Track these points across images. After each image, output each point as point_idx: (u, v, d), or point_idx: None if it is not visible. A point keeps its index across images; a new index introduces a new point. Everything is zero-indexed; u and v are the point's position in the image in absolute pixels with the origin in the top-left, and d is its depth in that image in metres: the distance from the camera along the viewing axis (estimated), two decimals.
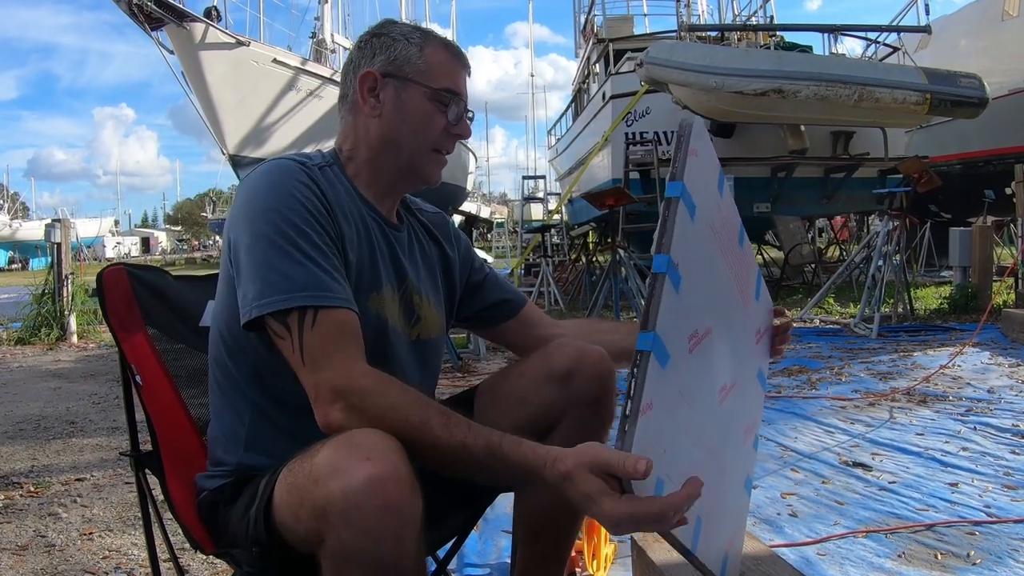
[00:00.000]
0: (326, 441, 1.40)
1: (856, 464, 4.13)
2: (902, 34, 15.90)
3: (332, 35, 23.03)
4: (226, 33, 14.77)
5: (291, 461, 1.48)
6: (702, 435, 1.44)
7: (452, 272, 2.11)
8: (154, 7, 13.31)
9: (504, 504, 2.14)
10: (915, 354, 7.36)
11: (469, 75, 1.94)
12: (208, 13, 14.72)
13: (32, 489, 4.33)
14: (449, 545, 2.06)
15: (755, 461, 1.80)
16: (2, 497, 4.21)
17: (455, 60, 1.89)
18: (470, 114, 1.92)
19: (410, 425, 1.43)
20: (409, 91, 1.83)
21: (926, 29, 16.08)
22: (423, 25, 2.00)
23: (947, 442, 4.46)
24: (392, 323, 1.84)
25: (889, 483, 3.82)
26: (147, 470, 2.00)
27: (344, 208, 1.77)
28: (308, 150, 1.97)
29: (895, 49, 15.74)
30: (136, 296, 2.07)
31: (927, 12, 16.42)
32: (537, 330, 2.18)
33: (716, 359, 1.51)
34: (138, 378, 1.99)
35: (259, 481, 1.64)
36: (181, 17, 13.95)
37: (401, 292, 1.89)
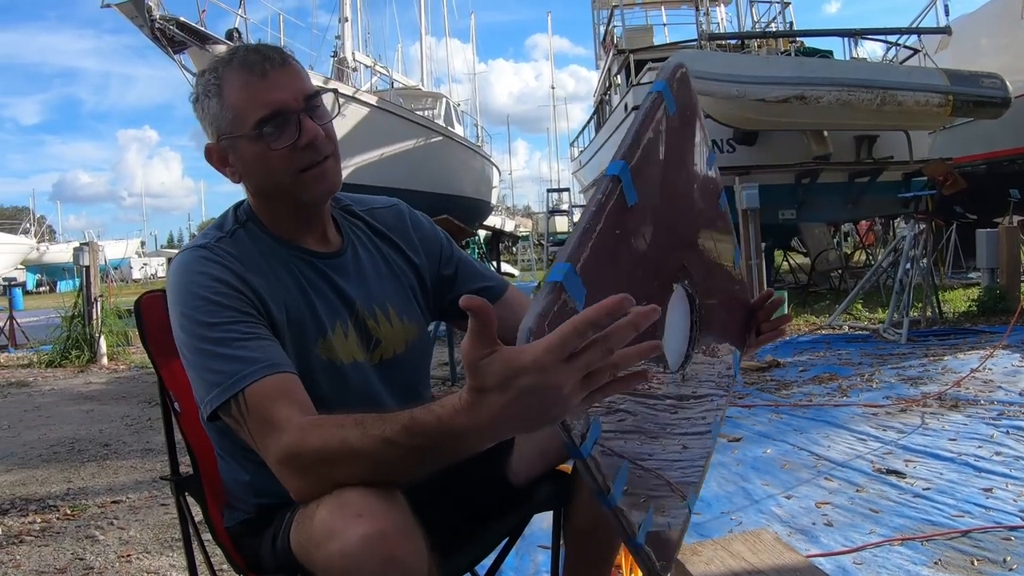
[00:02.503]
0: (321, 501, 1.39)
1: (890, 471, 4.12)
2: (922, 36, 15.84)
3: (353, 54, 23.07)
4: None
5: (298, 511, 1.49)
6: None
7: (417, 267, 2.04)
8: (176, 31, 13.37)
9: (540, 520, 2.15)
10: (945, 358, 7.32)
11: (282, 66, 1.74)
12: (230, 35, 14.75)
13: (69, 512, 4.37)
14: (489, 563, 2.07)
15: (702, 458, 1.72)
16: (39, 520, 4.25)
17: (252, 78, 1.71)
18: (313, 106, 1.76)
19: (337, 456, 1.38)
20: (238, 147, 1.75)
21: (946, 30, 15.99)
22: (241, 43, 1.85)
23: (980, 447, 4.43)
24: (347, 362, 1.82)
25: (923, 490, 3.81)
26: (187, 494, 2.02)
27: (263, 267, 1.75)
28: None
29: (916, 51, 15.67)
30: None
31: (947, 13, 16.34)
32: (521, 312, 2.07)
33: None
34: (177, 405, 2.01)
35: (279, 515, 1.66)
36: (203, 40, 13.99)
37: (354, 322, 1.85)
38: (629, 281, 1.35)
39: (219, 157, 1.80)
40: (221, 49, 14.35)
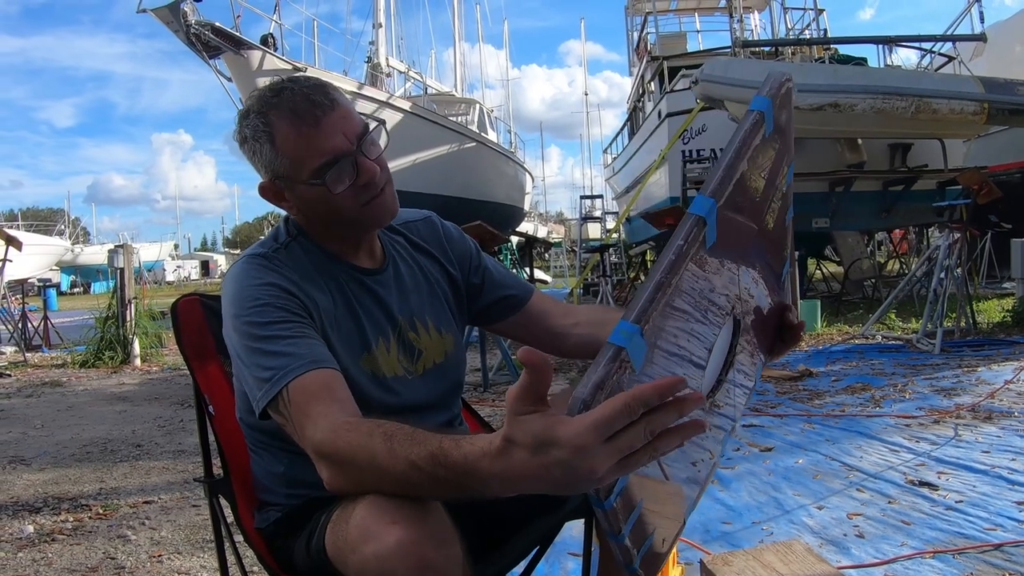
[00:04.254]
0: (359, 501, 1.40)
1: (922, 483, 4.08)
2: (957, 43, 15.73)
3: (387, 59, 23.13)
4: (283, 60, 14.86)
5: (335, 511, 1.50)
6: None
7: (452, 277, 2.10)
8: (211, 36, 13.45)
9: (571, 528, 2.14)
10: (979, 369, 7.26)
11: (332, 110, 1.75)
12: (264, 40, 14.81)
13: (100, 511, 4.41)
14: (520, 570, 2.07)
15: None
16: (72, 519, 4.28)
17: (304, 127, 1.73)
18: (369, 140, 1.80)
19: (364, 466, 1.37)
20: (296, 189, 1.79)
21: (981, 37, 15.87)
22: (276, 79, 1.84)
23: (1014, 460, 4.39)
24: (389, 375, 1.86)
25: (956, 502, 3.77)
26: (220, 496, 2.04)
27: (315, 279, 1.80)
28: None
29: (950, 59, 15.57)
30: (209, 325, 2.11)
31: (981, 20, 16.22)
32: (548, 320, 2.12)
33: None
34: (211, 408, 2.03)
35: (313, 515, 1.68)
36: (238, 45, 14.06)
37: (397, 336, 1.90)
38: (686, 327, 1.27)
39: (275, 194, 1.85)
40: (256, 54, 14.44)
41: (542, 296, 2.18)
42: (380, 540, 1.32)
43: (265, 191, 1.85)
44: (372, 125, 1.83)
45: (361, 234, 1.90)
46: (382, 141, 1.85)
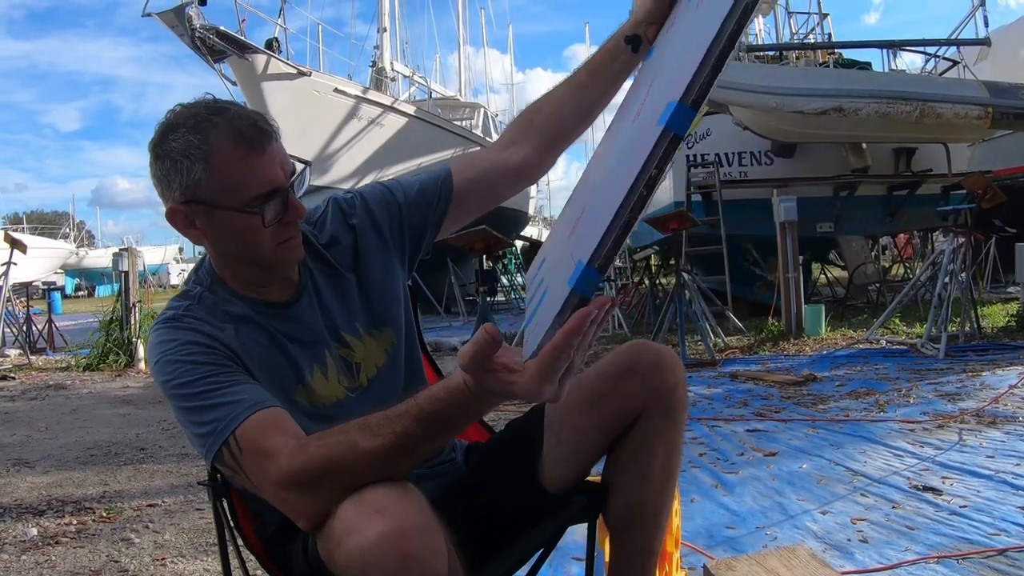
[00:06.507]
0: (343, 501, 1.42)
1: (926, 488, 4.07)
2: (961, 47, 15.72)
3: (391, 63, 23.21)
4: (287, 64, 14.89)
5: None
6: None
7: (374, 255, 1.98)
8: (217, 40, 13.49)
9: (574, 532, 2.14)
10: (984, 374, 7.25)
11: (275, 138, 1.73)
12: (269, 44, 14.86)
13: (104, 514, 4.40)
14: (524, 573, 2.07)
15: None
16: (75, 522, 4.28)
17: (247, 150, 1.66)
18: (298, 181, 1.80)
19: (346, 460, 1.42)
20: (217, 216, 1.70)
21: (985, 41, 15.89)
22: (205, 98, 1.78)
23: (1018, 464, 4.37)
24: (330, 403, 1.84)
25: (960, 507, 3.76)
26: (223, 499, 2.04)
27: (231, 325, 1.76)
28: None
29: (955, 63, 15.57)
30: None
31: (986, 24, 16.23)
32: (479, 168, 2.06)
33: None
34: None
35: None
36: (243, 49, 14.10)
37: (332, 358, 1.87)
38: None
39: (185, 221, 1.74)
40: (261, 58, 14.45)
41: (457, 163, 2.08)
42: (362, 532, 1.34)
43: (175, 215, 1.73)
44: (299, 167, 1.82)
45: (266, 274, 1.84)
46: (306, 183, 1.85)
